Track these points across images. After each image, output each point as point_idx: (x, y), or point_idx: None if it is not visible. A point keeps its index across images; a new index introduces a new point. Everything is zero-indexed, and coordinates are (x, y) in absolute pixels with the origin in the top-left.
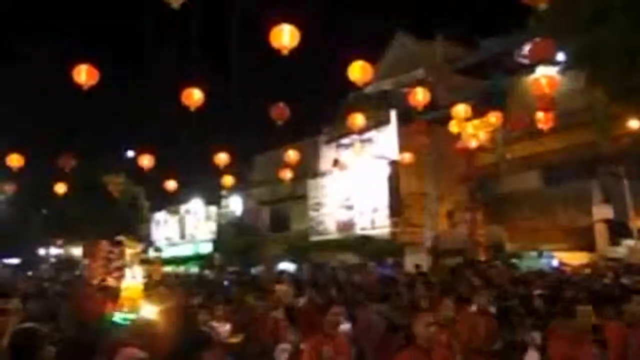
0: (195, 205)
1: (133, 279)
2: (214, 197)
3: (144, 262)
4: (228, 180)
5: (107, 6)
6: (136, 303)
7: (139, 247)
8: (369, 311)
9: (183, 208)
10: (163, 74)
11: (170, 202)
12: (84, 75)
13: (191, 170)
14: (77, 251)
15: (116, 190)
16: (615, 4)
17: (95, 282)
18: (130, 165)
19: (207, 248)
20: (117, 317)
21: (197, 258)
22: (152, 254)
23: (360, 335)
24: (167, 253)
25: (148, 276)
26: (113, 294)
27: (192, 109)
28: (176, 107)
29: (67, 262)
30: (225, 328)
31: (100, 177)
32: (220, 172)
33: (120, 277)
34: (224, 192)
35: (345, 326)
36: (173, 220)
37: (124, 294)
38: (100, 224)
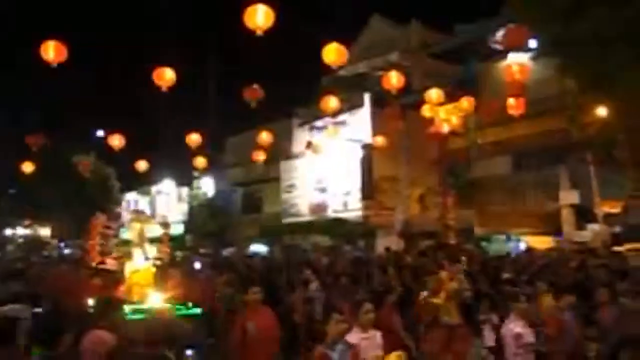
0: (167, 186)
1: (144, 261)
2: (186, 179)
3: (153, 240)
4: (200, 161)
5: None
6: (146, 290)
7: (151, 222)
8: None
9: (154, 189)
10: (135, 53)
11: (142, 182)
12: (52, 52)
13: (163, 150)
14: (44, 232)
15: (86, 171)
16: None
17: (93, 263)
18: (101, 145)
19: (178, 229)
20: (127, 306)
21: (155, 240)
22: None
23: None
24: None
25: (157, 258)
26: (114, 278)
27: (164, 88)
28: (148, 87)
29: (34, 243)
30: None
31: (69, 157)
32: (192, 153)
33: (120, 258)
34: (196, 174)
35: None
36: (144, 201)
37: (131, 279)
38: (69, 204)
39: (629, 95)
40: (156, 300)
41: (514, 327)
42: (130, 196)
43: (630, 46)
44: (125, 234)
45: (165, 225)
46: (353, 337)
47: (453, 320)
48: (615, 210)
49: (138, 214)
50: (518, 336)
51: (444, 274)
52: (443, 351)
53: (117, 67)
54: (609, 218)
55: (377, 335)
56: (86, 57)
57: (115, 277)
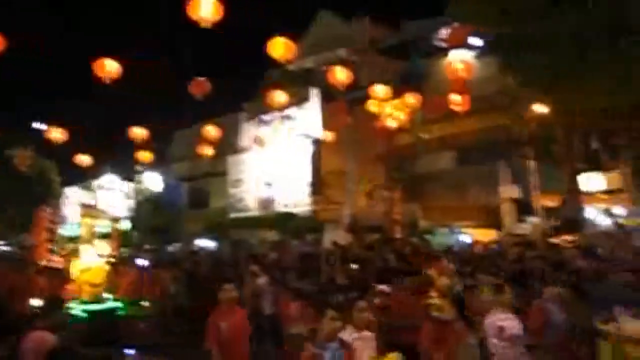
0: (111, 181)
1: (95, 259)
2: (130, 173)
3: (104, 236)
4: (145, 155)
5: None
6: (99, 290)
7: (102, 217)
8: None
9: (97, 184)
10: (79, 44)
11: (84, 177)
12: None
13: (106, 144)
14: None
15: (23, 164)
16: None
17: (41, 262)
18: (40, 138)
19: (123, 225)
20: (75, 306)
21: (107, 236)
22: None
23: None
24: (77, 231)
25: (110, 255)
26: (60, 277)
27: (107, 80)
28: (92, 80)
29: None
30: None
31: (5, 150)
32: (137, 147)
33: (67, 256)
34: (141, 168)
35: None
36: (86, 196)
37: (82, 277)
38: (6, 199)
39: (567, 94)
40: (108, 299)
41: (496, 320)
42: (72, 191)
43: (572, 47)
44: (70, 231)
45: (116, 220)
46: (346, 336)
47: (447, 316)
48: (553, 203)
49: (88, 208)
50: (501, 329)
51: (432, 271)
52: (437, 347)
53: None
54: (547, 211)
55: (371, 336)
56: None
57: (63, 276)
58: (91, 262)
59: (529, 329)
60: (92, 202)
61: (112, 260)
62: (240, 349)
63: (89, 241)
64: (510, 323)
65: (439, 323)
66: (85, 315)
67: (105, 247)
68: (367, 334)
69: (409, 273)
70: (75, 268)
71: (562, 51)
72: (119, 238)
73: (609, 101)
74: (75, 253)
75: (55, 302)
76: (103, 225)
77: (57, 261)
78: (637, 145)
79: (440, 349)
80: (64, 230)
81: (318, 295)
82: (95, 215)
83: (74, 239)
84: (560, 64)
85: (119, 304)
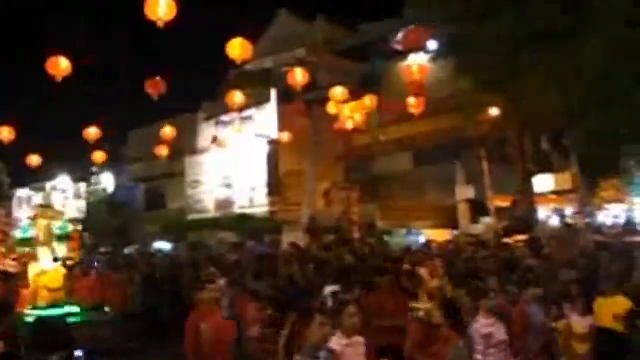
0: (63, 182)
1: (52, 262)
2: (83, 174)
3: (62, 238)
4: (99, 156)
5: None
6: (57, 295)
7: (60, 218)
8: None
9: (49, 185)
10: (26, 41)
11: (35, 178)
12: None
13: (58, 144)
14: None
15: None
16: (497, 2)
17: None
18: None
19: (68, 228)
20: (30, 312)
21: (65, 238)
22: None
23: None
24: (30, 233)
25: (68, 258)
26: (14, 282)
27: (59, 79)
28: (42, 77)
29: None
30: None
31: None
32: (90, 147)
33: (21, 259)
34: (94, 169)
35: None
36: (38, 198)
37: (38, 281)
38: None
39: (518, 95)
40: (66, 304)
41: (482, 326)
42: (23, 193)
43: (524, 49)
44: (22, 233)
45: (76, 221)
46: (335, 343)
47: (435, 320)
48: (506, 204)
49: (44, 209)
50: (489, 336)
51: (423, 272)
52: (423, 351)
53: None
54: (500, 212)
55: (361, 342)
56: None
57: (17, 281)
58: (48, 265)
59: (512, 333)
60: (47, 203)
61: (70, 263)
62: (224, 352)
63: (46, 244)
64: (496, 329)
65: (427, 326)
66: (33, 320)
67: (63, 250)
68: (357, 339)
69: (379, 272)
70: (32, 272)
71: (498, 53)
72: (78, 240)
73: (542, 101)
74: (31, 256)
75: (4, 308)
76: (60, 227)
77: (11, 265)
78: (585, 145)
79: (426, 354)
80: (17, 233)
81: (281, 298)
82: (52, 216)
83: (26, 242)
84: (498, 65)
85: (76, 309)
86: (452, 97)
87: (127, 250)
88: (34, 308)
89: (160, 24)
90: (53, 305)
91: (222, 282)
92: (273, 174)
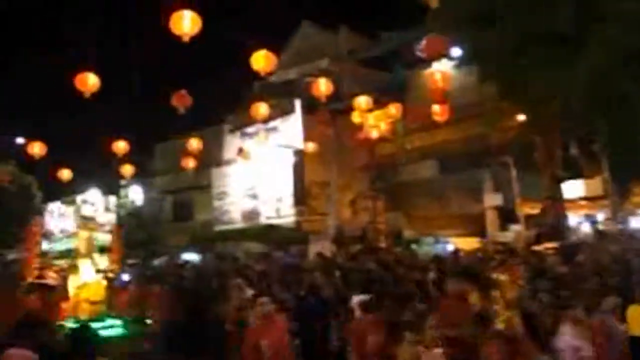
0: (93, 196)
1: (93, 274)
2: (112, 187)
3: (103, 250)
4: (127, 169)
5: None
6: (98, 307)
7: (100, 230)
8: None
9: (79, 198)
10: (56, 58)
11: (66, 192)
12: None
13: (88, 158)
14: None
15: (5, 180)
16: (498, 5)
17: (30, 278)
18: (20, 153)
19: (106, 239)
20: (70, 325)
21: (97, 250)
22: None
23: None
24: (64, 245)
25: (110, 270)
26: (54, 294)
27: (87, 94)
28: (71, 93)
29: None
30: None
31: None
32: (119, 160)
33: (62, 272)
34: (123, 182)
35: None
36: (69, 211)
37: (79, 294)
38: None
39: (539, 100)
40: (107, 317)
41: (571, 338)
42: (54, 206)
43: (537, 53)
44: (61, 245)
45: (117, 231)
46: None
47: (514, 332)
48: (535, 211)
49: (85, 221)
50: (577, 349)
51: (503, 278)
52: None
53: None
54: (529, 219)
55: (440, 353)
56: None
57: (57, 294)
58: (89, 278)
59: (594, 345)
60: (90, 215)
61: (111, 275)
62: None
63: (87, 255)
64: (584, 342)
65: (505, 341)
66: (69, 333)
67: (104, 262)
68: (437, 351)
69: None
70: (72, 284)
71: (531, 57)
72: (120, 251)
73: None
74: (71, 269)
75: (39, 321)
76: (101, 239)
77: (52, 277)
78: (615, 151)
79: None
80: (54, 245)
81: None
82: (92, 227)
83: (66, 253)
84: (529, 70)
85: (117, 322)
86: (476, 104)
87: (156, 262)
88: (76, 321)
89: (185, 38)
90: (94, 318)
91: (248, 293)
92: (298, 184)
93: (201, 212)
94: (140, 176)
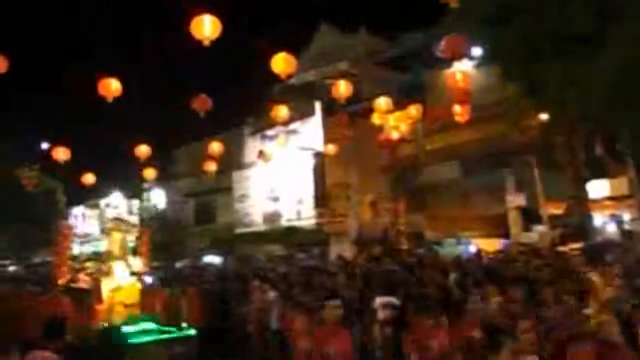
0: (116, 199)
1: (128, 277)
2: (135, 191)
3: (137, 251)
4: (150, 173)
5: None
6: (133, 310)
7: (134, 231)
8: None
9: (103, 202)
10: (79, 65)
11: (89, 196)
12: None
13: (110, 163)
14: None
15: (30, 184)
16: (514, 5)
17: (62, 281)
18: (44, 158)
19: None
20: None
21: (130, 252)
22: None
23: None
24: (88, 249)
25: (143, 272)
26: (87, 297)
27: (110, 99)
28: (93, 98)
29: None
30: None
31: (10, 171)
32: (141, 164)
33: (93, 274)
34: (145, 186)
35: None
36: (93, 214)
37: (113, 297)
38: (12, 220)
39: (559, 100)
40: (142, 320)
41: None
42: (78, 210)
43: (555, 52)
44: (91, 247)
45: (145, 234)
46: None
47: (611, 336)
48: (559, 211)
49: (118, 222)
50: None
51: (595, 277)
52: None
53: (60, 79)
54: (553, 219)
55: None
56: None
57: (90, 297)
58: (123, 280)
59: None
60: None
61: (145, 277)
62: None
63: (121, 257)
64: None
65: (604, 346)
66: (97, 336)
67: (138, 264)
68: (530, 358)
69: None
70: (106, 287)
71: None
72: (150, 252)
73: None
74: (104, 271)
75: (61, 324)
76: (131, 240)
77: (84, 280)
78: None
79: None
80: (85, 248)
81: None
82: (126, 229)
83: (97, 256)
84: (549, 69)
85: (152, 325)
86: (498, 104)
87: (178, 264)
88: (110, 324)
89: (205, 42)
90: (130, 322)
91: (271, 294)
92: (319, 186)
93: (223, 214)
94: (162, 180)
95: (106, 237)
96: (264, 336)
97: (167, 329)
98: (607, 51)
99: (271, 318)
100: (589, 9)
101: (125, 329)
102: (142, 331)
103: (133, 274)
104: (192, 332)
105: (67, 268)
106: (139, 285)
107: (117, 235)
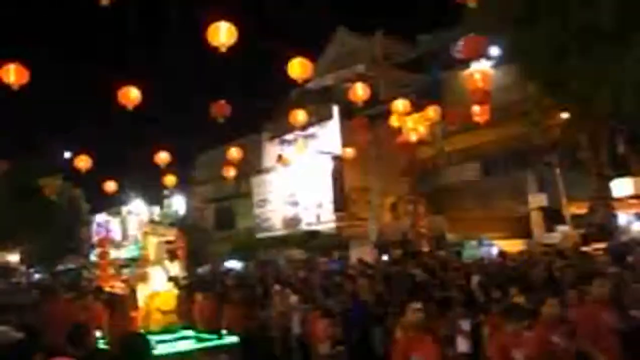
0: (138, 206)
1: (165, 283)
2: (156, 197)
3: (174, 256)
4: (170, 179)
5: (37, 2)
6: (171, 317)
7: (172, 234)
8: None
9: (125, 209)
10: (98, 73)
11: (111, 203)
12: (13, 75)
13: (131, 170)
14: (13, 257)
15: (53, 193)
16: (540, 5)
17: (100, 285)
18: (67, 166)
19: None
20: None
21: (130, 260)
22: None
23: None
24: (118, 254)
25: (182, 277)
26: (123, 304)
27: (130, 107)
28: (113, 107)
29: (1, 269)
30: None
31: (35, 179)
32: (161, 171)
33: (128, 281)
34: (166, 192)
35: None
36: (115, 222)
37: (150, 303)
38: (37, 228)
39: (585, 98)
40: (181, 327)
41: None
42: (101, 218)
43: (580, 53)
44: (127, 253)
45: (181, 236)
46: None
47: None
48: (582, 211)
49: (154, 225)
50: None
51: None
52: None
53: (80, 88)
54: (576, 219)
55: None
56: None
57: (125, 303)
58: (160, 286)
59: None
60: (157, 218)
61: (184, 283)
62: None
63: (158, 262)
64: None
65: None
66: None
67: (175, 268)
68: None
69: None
70: (142, 293)
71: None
72: (187, 256)
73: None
74: (140, 277)
75: (85, 331)
76: (165, 242)
77: (118, 287)
78: None
79: None
80: (122, 253)
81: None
82: (163, 233)
83: (132, 262)
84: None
85: (191, 333)
86: (518, 103)
87: (199, 270)
88: (147, 332)
89: (222, 49)
90: (168, 329)
91: (293, 299)
92: (338, 190)
93: (243, 220)
94: (182, 186)
95: (142, 242)
96: (286, 340)
97: (207, 336)
98: (635, 48)
99: (292, 322)
100: (615, 5)
101: (162, 337)
102: (181, 338)
103: (170, 279)
104: (235, 339)
105: (106, 274)
106: (175, 291)
107: (153, 239)
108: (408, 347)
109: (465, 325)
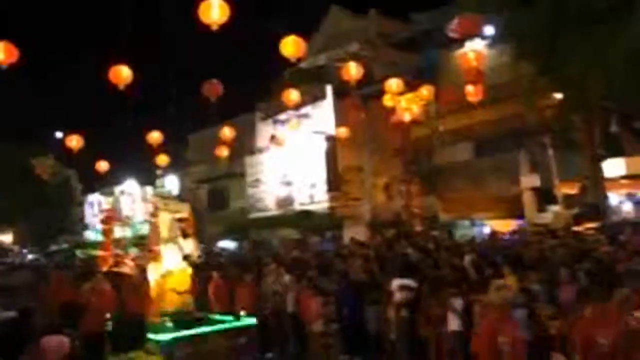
0: (130, 186)
1: (179, 261)
2: (149, 177)
3: (186, 234)
4: (163, 159)
5: None
6: (185, 298)
7: (185, 209)
8: None
9: (117, 189)
10: (90, 53)
11: (104, 183)
12: (2, 53)
13: (124, 150)
14: (6, 238)
15: (45, 173)
16: None
17: (105, 267)
18: (59, 147)
19: (145, 229)
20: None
21: (138, 239)
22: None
23: None
24: (143, 230)
25: (197, 255)
26: (131, 283)
27: (121, 87)
28: (105, 86)
29: None
30: None
31: (26, 160)
32: (154, 151)
33: (136, 260)
34: (159, 172)
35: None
36: (108, 202)
37: (164, 283)
38: (30, 208)
39: (578, 78)
40: (196, 308)
41: None
42: (93, 198)
43: (575, 34)
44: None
45: (191, 212)
46: None
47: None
48: (574, 191)
49: (165, 200)
50: None
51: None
52: None
53: (71, 68)
54: (568, 199)
55: None
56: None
57: (133, 283)
58: (174, 265)
59: None
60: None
61: (199, 261)
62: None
63: (171, 240)
64: None
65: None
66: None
67: (189, 246)
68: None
69: None
70: (155, 273)
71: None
72: (197, 232)
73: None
74: (150, 256)
75: (79, 309)
76: (180, 218)
77: (129, 266)
78: None
79: None
80: (127, 231)
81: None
82: (175, 209)
83: (140, 240)
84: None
85: (207, 315)
86: (511, 83)
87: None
88: (162, 313)
89: (214, 27)
90: (182, 310)
91: (287, 278)
92: (332, 170)
93: (236, 200)
94: (175, 166)
95: (151, 218)
96: (279, 319)
97: (223, 318)
98: (628, 28)
99: (286, 301)
100: None
101: (177, 318)
102: (197, 320)
103: (185, 258)
104: (252, 321)
105: (110, 254)
106: (189, 271)
107: (166, 216)
108: (493, 325)
109: (458, 303)
